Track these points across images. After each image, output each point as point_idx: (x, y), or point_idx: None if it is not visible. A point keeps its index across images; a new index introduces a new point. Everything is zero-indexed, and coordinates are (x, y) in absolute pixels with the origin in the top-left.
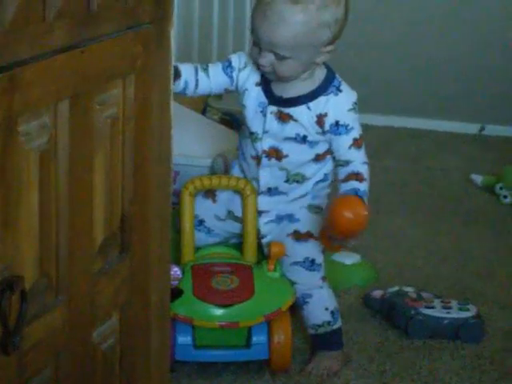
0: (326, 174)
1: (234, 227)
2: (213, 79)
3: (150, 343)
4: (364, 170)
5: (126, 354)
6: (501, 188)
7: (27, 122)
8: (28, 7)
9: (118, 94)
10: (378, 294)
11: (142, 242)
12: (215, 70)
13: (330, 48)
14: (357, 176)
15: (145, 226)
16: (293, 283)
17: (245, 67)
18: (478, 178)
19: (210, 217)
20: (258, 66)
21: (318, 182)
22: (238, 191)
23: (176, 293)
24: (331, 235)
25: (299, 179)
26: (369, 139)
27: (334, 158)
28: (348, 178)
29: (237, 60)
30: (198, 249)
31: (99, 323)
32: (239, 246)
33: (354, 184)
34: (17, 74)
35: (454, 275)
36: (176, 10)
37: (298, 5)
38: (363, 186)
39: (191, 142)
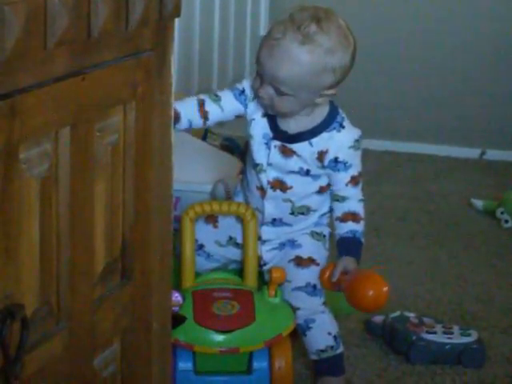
0: (330, 207)
1: (234, 253)
2: (226, 109)
3: (151, 369)
4: (360, 208)
5: (128, 381)
6: (502, 213)
7: (28, 150)
8: (29, 35)
9: (119, 121)
10: (379, 319)
11: (143, 268)
12: (227, 98)
13: (331, 92)
14: (354, 216)
15: (146, 253)
16: (295, 309)
17: (254, 97)
18: (478, 203)
19: (210, 242)
20: (257, 96)
21: (323, 215)
22: (240, 217)
23: (179, 319)
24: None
25: (304, 211)
26: (368, 164)
27: (331, 192)
28: (345, 217)
29: (248, 88)
30: (198, 274)
31: (100, 350)
32: (240, 272)
33: (351, 226)
34: (17, 101)
35: (455, 300)
36: (176, 36)
37: (306, 46)
38: (360, 227)
39: (192, 168)
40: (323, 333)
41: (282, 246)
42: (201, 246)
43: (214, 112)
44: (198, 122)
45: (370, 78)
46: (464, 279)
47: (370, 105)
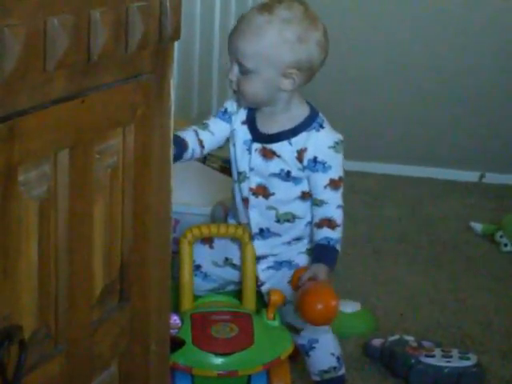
0: None
1: (232, 274)
2: (216, 133)
3: None
4: (338, 214)
5: None
6: (501, 236)
7: (27, 172)
8: (28, 57)
9: (118, 144)
10: (378, 342)
11: (142, 290)
12: (214, 122)
13: (292, 71)
14: (330, 222)
15: (144, 275)
16: (299, 329)
17: (236, 111)
18: (477, 226)
19: (207, 262)
20: (230, 85)
21: (309, 223)
22: (236, 239)
23: (178, 343)
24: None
25: (289, 218)
26: (368, 187)
27: (311, 197)
28: (321, 223)
29: (230, 105)
30: (196, 297)
31: (98, 373)
32: (238, 294)
33: (326, 232)
34: (17, 123)
35: (455, 324)
36: (176, 58)
37: (265, 13)
38: (336, 234)
39: (191, 191)
40: (326, 353)
41: (279, 265)
42: (198, 267)
43: (207, 139)
44: (198, 151)
45: (368, 101)
46: (463, 303)
47: (368, 128)
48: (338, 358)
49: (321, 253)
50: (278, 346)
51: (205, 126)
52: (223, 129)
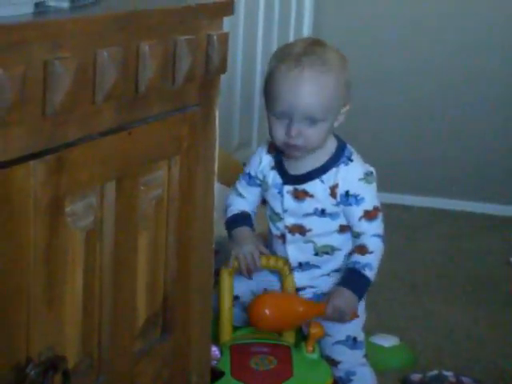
0: None
1: None
2: (251, 197)
3: None
4: (371, 242)
5: None
6: None
7: (74, 202)
8: (78, 89)
9: (163, 176)
10: (416, 377)
11: (184, 322)
12: (247, 192)
13: (347, 108)
14: (361, 249)
15: (186, 307)
16: (336, 362)
17: (260, 162)
18: None
19: (246, 293)
20: (278, 144)
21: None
22: (276, 270)
23: (217, 374)
24: None
25: (328, 251)
26: (407, 220)
27: (350, 229)
28: (353, 251)
29: (252, 168)
30: (235, 328)
31: None
32: None
33: (355, 257)
34: (65, 154)
35: (493, 359)
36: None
37: (326, 66)
38: (365, 259)
39: None
40: None
41: (317, 297)
42: (236, 298)
43: (249, 205)
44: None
45: (408, 134)
46: (502, 338)
47: (407, 161)
48: None
49: (343, 276)
50: (317, 378)
51: (240, 196)
52: (256, 192)
